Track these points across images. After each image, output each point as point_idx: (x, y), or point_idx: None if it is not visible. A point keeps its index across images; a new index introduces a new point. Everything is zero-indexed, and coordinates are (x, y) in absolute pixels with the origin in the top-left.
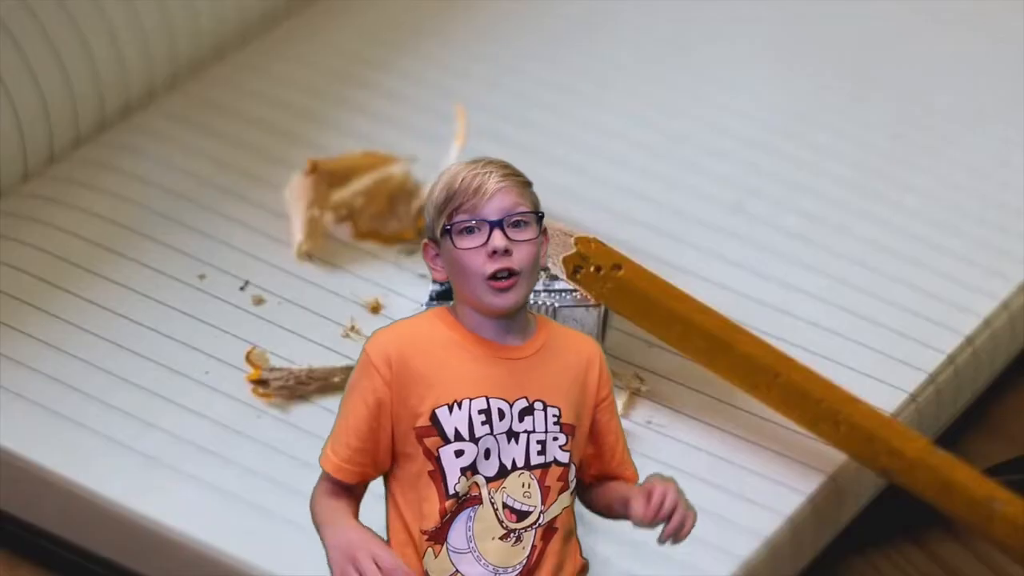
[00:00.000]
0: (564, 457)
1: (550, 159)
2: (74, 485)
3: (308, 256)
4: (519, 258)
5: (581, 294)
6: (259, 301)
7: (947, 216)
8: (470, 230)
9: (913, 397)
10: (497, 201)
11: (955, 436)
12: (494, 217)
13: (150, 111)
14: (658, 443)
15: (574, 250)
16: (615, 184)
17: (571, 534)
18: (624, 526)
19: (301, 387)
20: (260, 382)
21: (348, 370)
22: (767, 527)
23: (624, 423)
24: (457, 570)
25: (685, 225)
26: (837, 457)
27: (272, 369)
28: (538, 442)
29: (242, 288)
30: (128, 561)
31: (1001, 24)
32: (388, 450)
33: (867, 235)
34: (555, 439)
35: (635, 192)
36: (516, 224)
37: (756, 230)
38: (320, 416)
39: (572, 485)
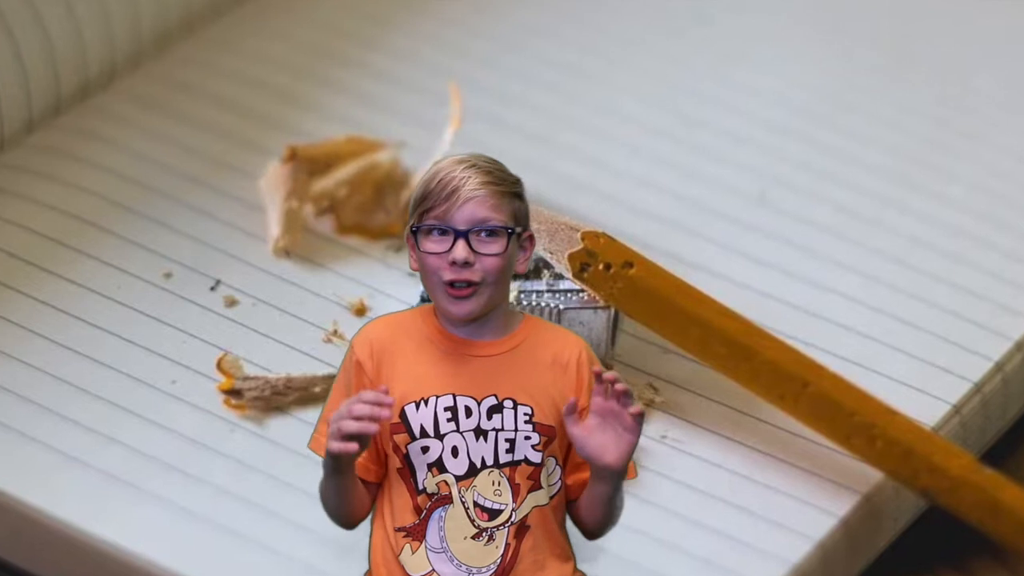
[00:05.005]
0: (536, 457)
1: (554, 145)
2: (25, 506)
3: (286, 253)
4: (482, 269)
5: (588, 294)
6: (232, 302)
7: (993, 208)
8: (441, 231)
9: (957, 409)
10: (468, 210)
11: (1003, 452)
12: (462, 227)
13: (110, 92)
14: (673, 459)
15: (581, 246)
16: (626, 173)
17: (552, 533)
18: (635, 554)
19: (278, 398)
20: (233, 392)
21: (330, 379)
22: (795, 553)
23: None
24: (433, 569)
25: (704, 218)
26: (872, 475)
27: (246, 378)
28: (507, 440)
29: (213, 288)
30: None
31: None
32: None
33: (905, 229)
34: (527, 438)
35: (648, 182)
36: (489, 233)
37: (782, 224)
38: (299, 429)
39: (554, 487)
